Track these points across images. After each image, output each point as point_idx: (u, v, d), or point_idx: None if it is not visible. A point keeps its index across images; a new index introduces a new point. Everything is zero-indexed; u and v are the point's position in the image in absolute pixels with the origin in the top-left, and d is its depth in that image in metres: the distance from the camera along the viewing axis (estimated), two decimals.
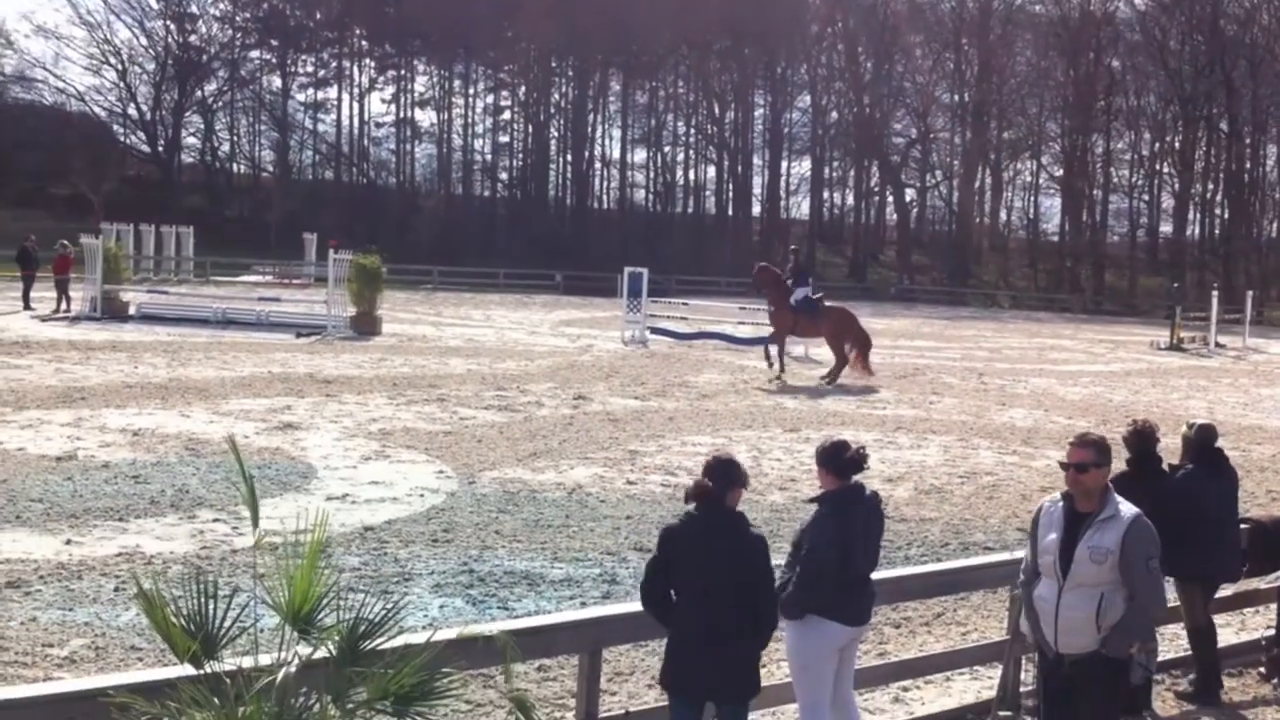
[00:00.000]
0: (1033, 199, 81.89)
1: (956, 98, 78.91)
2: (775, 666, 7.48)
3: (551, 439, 16.23)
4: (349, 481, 13.02)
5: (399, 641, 4.54)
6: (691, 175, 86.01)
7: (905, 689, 7.94)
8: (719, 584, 5.59)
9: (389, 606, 4.61)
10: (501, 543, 10.85)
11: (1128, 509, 5.77)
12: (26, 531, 10.43)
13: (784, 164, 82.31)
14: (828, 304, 25.35)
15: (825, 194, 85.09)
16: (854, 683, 6.50)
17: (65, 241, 35.37)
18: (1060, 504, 5.90)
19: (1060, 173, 77.16)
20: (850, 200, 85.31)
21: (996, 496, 13.98)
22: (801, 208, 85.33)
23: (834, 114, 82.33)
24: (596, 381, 22.45)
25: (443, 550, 10.51)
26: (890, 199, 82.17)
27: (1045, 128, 78.43)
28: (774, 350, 24.74)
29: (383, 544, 10.59)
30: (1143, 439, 7.96)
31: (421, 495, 12.56)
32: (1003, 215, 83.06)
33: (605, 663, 6.99)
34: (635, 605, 7.22)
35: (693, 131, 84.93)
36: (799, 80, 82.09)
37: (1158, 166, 76.28)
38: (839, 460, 6.13)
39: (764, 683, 6.00)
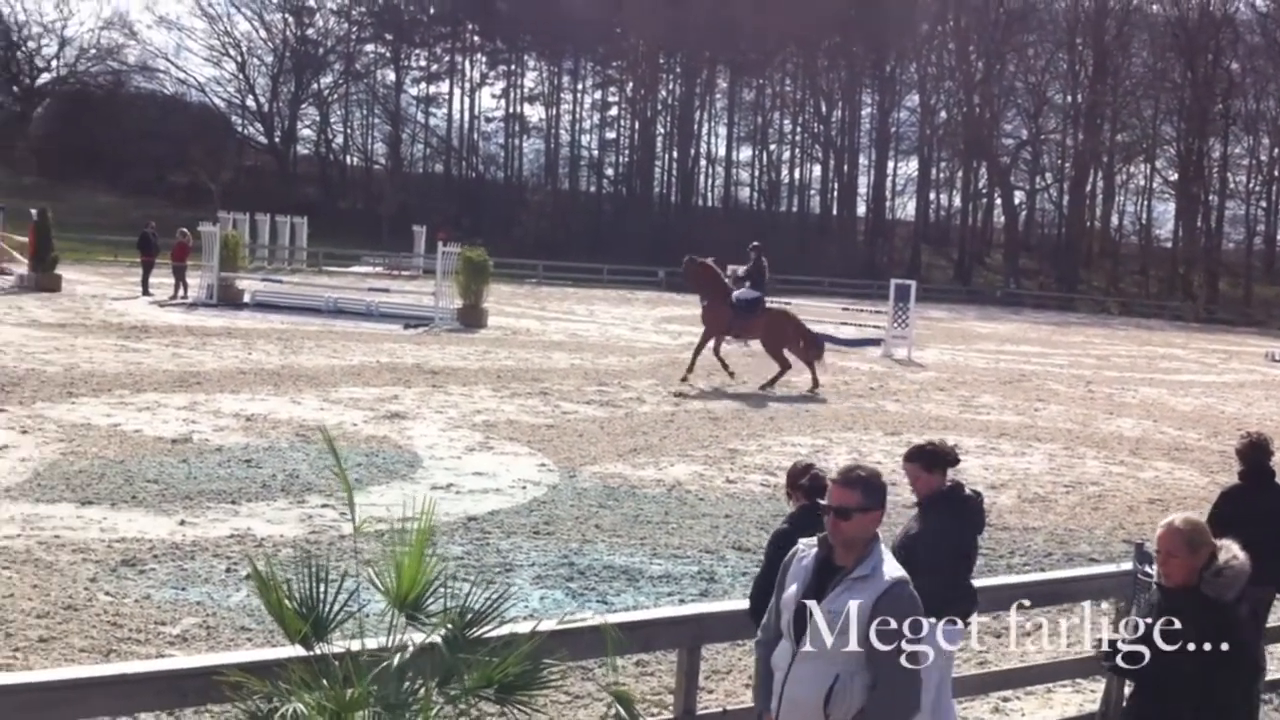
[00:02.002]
0: (1146, 203, 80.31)
1: (1069, 98, 77.59)
2: None
3: (652, 435, 16.31)
4: (453, 471, 13.21)
5: (504, 630, 4.64)
6: (797, 174, 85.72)
7: (1005, 699, 7.88)
8: None
9: (492, 596, 4.70)
10: (601, 537, 10.95)
11: (890, 570, 4.47)
12: (142, 511, 10.76)
13: (890, 164, 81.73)
14: (768, 306, 23.34)
15: (932, 195, 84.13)
16: (953, 690, 6.48)
17: (184, 229, 36.33)
18: (814, 550, 4.65)
19: (1175, 177, 75.49)
20: (957, 201, 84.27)
21: (1102, 507, 13.76)
22: (907, 208, 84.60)
23: (943, 113, 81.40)
24: (697, 379, 22.48)
25: (544, 542, 10.63)
26: (998, 201, 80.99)
27: (1160, 130, 76.77)
28: (705, 351, 22.36)
29: (485, 534, 10.75)
30: (1257, 451, 7.79)
31: (524, 487, 12.71)
32: (1114, 219, 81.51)
33: (703, 660, 7.03)
34: (734, 603, 7.27)
35: (799, 130, 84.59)
36: (908, 79, 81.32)
37: (1276, 172, 74.26)
38: (933, 459, 6.08)
39: None
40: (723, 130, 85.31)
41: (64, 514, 10.46)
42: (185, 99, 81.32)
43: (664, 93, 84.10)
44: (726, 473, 14.12)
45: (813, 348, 22.47)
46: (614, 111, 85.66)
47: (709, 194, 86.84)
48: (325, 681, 4.37)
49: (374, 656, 4.45)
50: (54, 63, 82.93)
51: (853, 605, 4.37)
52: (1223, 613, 4.59)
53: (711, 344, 22.52)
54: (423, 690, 4.45)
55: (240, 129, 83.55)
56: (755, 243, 24.92)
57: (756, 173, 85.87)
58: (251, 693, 4.42)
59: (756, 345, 23.60)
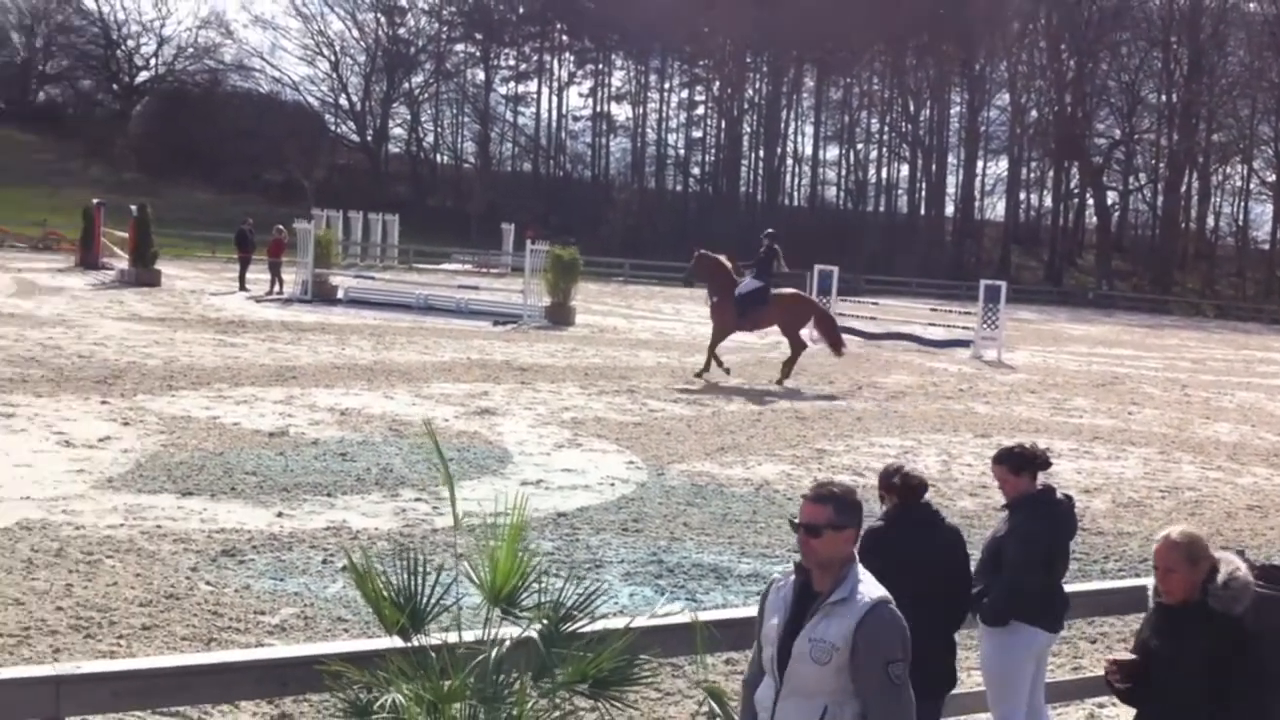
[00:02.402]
0: (1242, 204, 78.50)
1: (1164, 97, 76.19)
2: (964, 674, 7.42)
3: (739, 434, 16.32)
4: (542, 468, 13.34)
5: (596, 626, 4.69)
6: (884, 173, 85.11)
7: (1100, 705, 7.79)
8: (923, 578, 5.61)
9: (584, 592, 4.76)
10: (690, 535, 10.99)
11: (869, 591, 4.23)
12: (241, 503, 11.00)
13: (979, 163, 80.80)
14: (776, 290, 22.88)
15: (1022, 195, 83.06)
16: (1046, 696, 6.43)
17: (280, 226, 37.08)
18: (792, 579, 4.43)
19: (1272, 178, 73.77)
20: (1048, 202, 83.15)
21: (1199, 513, 13.52)
22: (996, 208, 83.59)
23: (1033, 112, 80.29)
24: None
25: (632, 539, 10.70)
26: (1090, 201, 79.75)
27: (1258, 130, 75.03)
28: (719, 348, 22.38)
29: (575, 530, 10.84)
30: None
31: (612, 484, 12.79)
32: (1210, 221, 79.75)
33: None
34: None
35: (886, 129, 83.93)
36: (998, 77, 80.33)
37: None
38: (1021, 461, 6.04)
39: (954, 690, 5.98)
40: (809, 129, 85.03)
41: (165, 504, 10.72)
42: (280, 98, 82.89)
43: (750, 91, 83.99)
44: (814, 472, 14.07)
45: (821, 329, 22.81)
46: (700, 110, 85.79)
47: (795, 193, 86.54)
48: (423, 673, 4.46)
49: (470, 649, 4.53)
50: (152, 61, 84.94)
51: (837, 632, 4.15)
52: (1233, 626, 4.41)
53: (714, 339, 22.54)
54: (518, 684, 4.52)
55: (333, 127, 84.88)
56: (769, 229, 24.62)
57: (843, 172, 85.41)
58: (351, 682, 4.51)
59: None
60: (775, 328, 23.33)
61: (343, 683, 4.55)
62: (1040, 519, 5.99)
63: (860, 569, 4.33)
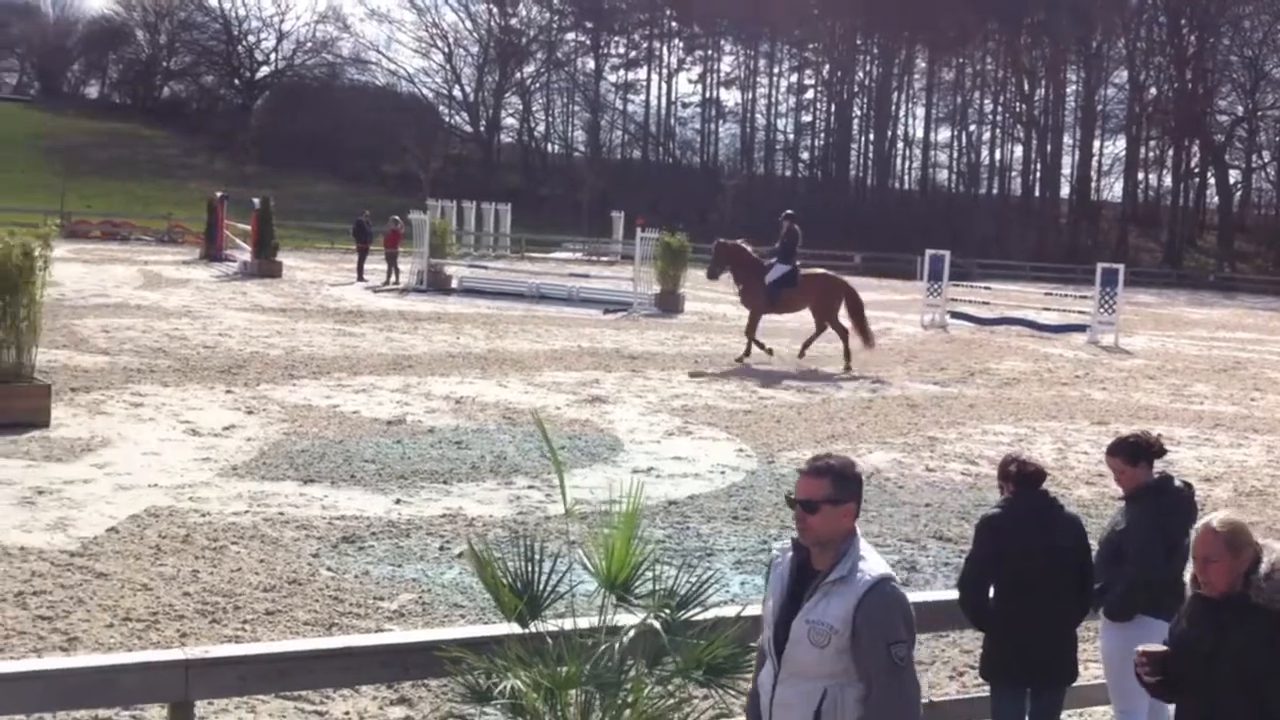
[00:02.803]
0: None
1: None
2: (1082, 667, 7.35)
3: (850, 422, 16.25)
4: (653, 456, 13.43)
5: (710, 614, 4.75)
6: (997, 155, 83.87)
7: None
8: (1042, 568, 5.59)
9: (697, 580, 4.82)
10: None
11: (871, 569, 4.04)
12: (360, 490, 11.25)
13: (1096, 143, 79.25)
14: (805, 271, 23.09)
15: (1140, 175, 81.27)
16: None
17: (397, 217, 37.70)
18: (789, 555, 4.23)
19: None
20: (1167, 182, 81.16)
21: None
22: (1114, 189, 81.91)
23: (1152, 90, 78.44)
24: (895, 365, 22.29)
25: (743, 528, 10.74)
26: (1211, 181, 77.64)
27: None
28: (756, 334, 22.26)
29: (685, 518, 10.91)
30: None
31: (722, 472, 12.83)
32: None
33: None
34: (936, 594, 7.27)
35: (1000, 109, 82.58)
36: (1115, 54, 78.59)
37: None
38: (1135, 451, 5.95)
39: (1074, 683, 5.94)
40: (920, 111, 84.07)
41: (288, 491, 11.01)
42: (396, 90, 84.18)
43: (861, 74, 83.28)
44: (926, 460, 13.99)
45: (851, 314, 22.29)
46: (810, 95, 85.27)
47: (905, 176, 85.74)
48: (540, 659, 4.56)
49: (585, 636, 4.62)
50: (272, 56, 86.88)
51: (835, 613, 3.97)
52: (1275, 621, 4.14)
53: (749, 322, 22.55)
54: (633, 670, 4.60)
55: (447, 118, 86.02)
56: (788, 211, 24.39)
57: (955, 154, 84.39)
58: (470, 668, 4.61)
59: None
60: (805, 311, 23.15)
61: (461, 668, 4.65)
62: (1159, 510, 5.91)
63: (862, 545, 4.12)
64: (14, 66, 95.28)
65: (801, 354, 22.44)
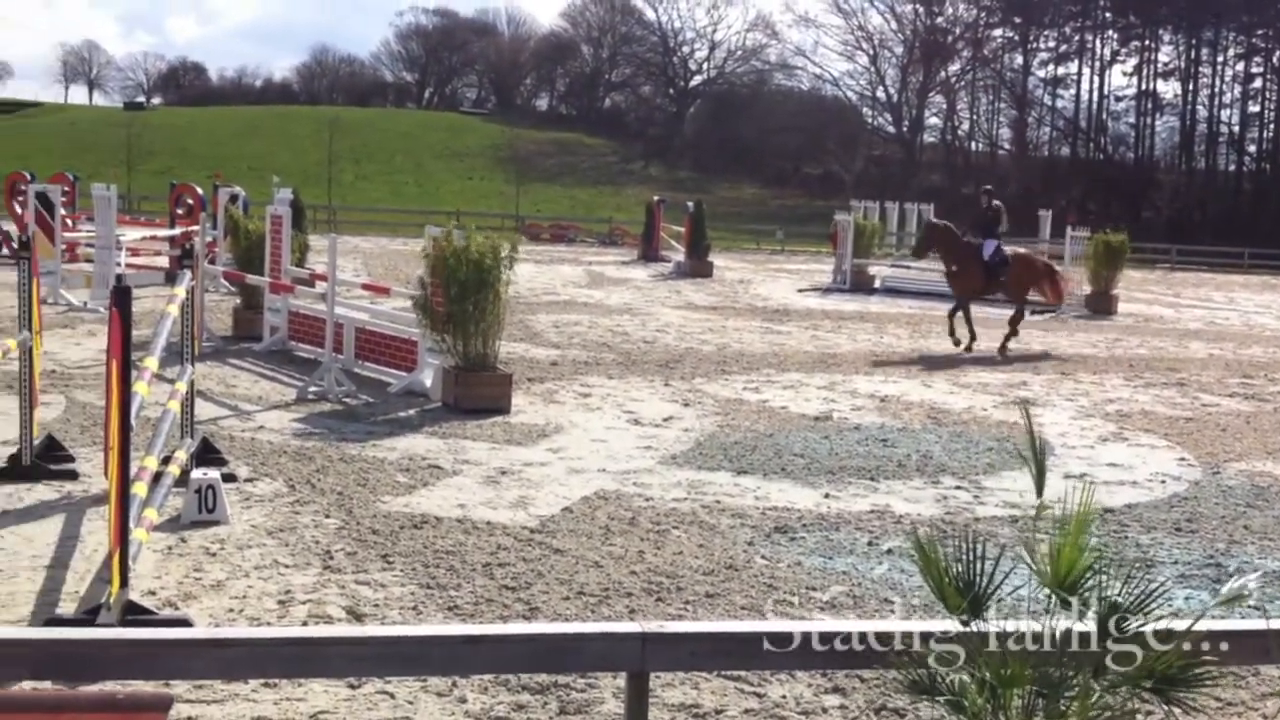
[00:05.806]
0: None
1: None
2: None
3: None
4: (1086, 461, 13.01)
5: (1160, 625, 4.64)
6: None
7: None
8: None
9: (1142, 590, 4.70)
10: (1251, 539, 10.36)
11: None
12: (790, 482, 11.55)
13: None
14: (1008, 250, 22.06)
15: None
16: None
17: (837, 218, 38.37)
18: None
19: None
20: None
21: None
22: None
23: None
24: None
25: (1186, 540, 10.25)
26: None
27: None
28: (959, 317, 21.52)
29: (1123, 527, 10.53)
30: None
31: (1162, 481, 12.27)
32: None
33: None
34: None
35: None
36: None
37: None
38: None
39: None
40: None
41: (722, 481, 11.45)
42: (819, 93, 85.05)
43: None
44: None
45: (1047, 279, 21.83)
46: (1257, 83, 79.16)
47: None
48: (983, 658, 4.60)
49: (1032, 640, 4.61)
50: (704, 65, 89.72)
51: None
52: None
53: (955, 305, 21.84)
54: (1080, 677, 4.56)
55: (870, 120, 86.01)
56: (987, 186, 23.33)
57: None
58: (915, 661, 4.69)
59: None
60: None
61: (904, 660, 4.77)
62: None
63: None
64: (474, 82, 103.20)
65: (1002, 350, 21.26)
